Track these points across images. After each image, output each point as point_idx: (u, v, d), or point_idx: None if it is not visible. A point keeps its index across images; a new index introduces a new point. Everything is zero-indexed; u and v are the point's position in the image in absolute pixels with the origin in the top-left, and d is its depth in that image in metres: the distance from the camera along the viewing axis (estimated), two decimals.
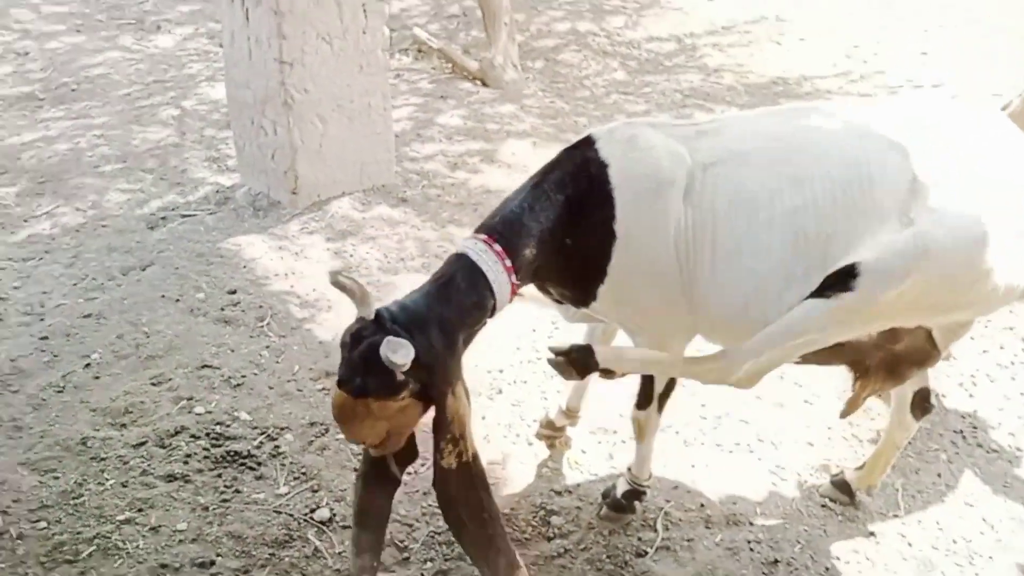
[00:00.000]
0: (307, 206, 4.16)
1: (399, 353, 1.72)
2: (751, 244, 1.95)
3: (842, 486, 2.72)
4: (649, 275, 2.03)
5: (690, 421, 2.96)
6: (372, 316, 1.81)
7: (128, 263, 3.63)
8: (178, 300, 3.34)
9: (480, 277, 1.92)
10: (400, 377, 1.77)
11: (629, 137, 2.06)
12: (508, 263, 1.95)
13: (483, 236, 1.97)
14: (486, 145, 5.01)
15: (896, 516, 2.71)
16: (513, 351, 3.25)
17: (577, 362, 2.02)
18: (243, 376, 2.93)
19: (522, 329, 3.35)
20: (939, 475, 2.91)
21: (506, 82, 5.93)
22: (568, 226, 2.02)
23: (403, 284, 3.65)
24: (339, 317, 3.36)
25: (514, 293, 2.00)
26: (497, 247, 1.94)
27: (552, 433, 2.77)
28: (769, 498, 2.70)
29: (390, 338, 1.74)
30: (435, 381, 1.84)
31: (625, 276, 2.04)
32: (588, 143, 2.08)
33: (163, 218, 4.08)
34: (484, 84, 5.97)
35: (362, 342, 1.78)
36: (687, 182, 2.00)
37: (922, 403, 2.49)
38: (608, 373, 2.06)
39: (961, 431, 3.12)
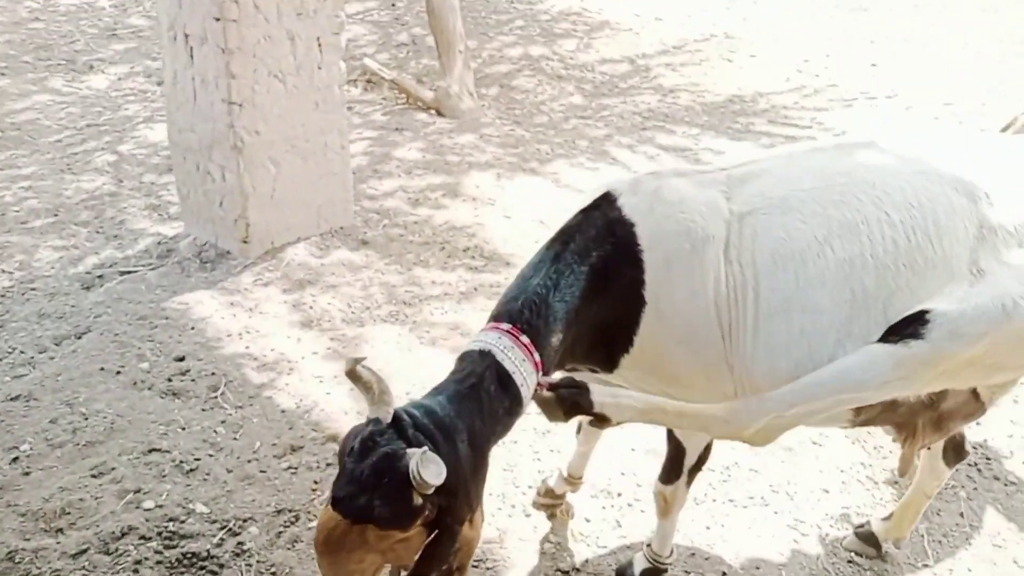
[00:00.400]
0: (260, 255, 3.84)
1: (430, 470, 1.38)
2: (800, 302, 1.71)
3: (868, 538, 2.51)
4: (685, 342, 1.79)
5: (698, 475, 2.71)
6: (389, 419, 1.49)
7: (61, 331, 3.26)
8: (119, 372, 2.98)
9: (510, 380, 1.64)
10: (417, 500, 1.43)
11: (654, 190, 1.82)
12: (537, 358, 1.67)
13: (506, 326, 1.69)
14: (448, 178, 4.75)
15: (926, 566, 2.52)
16: None
17: (566, 401, 1.71)
18: (197, 459, 2.59)
19: None
20: (961, 515, 2.73)
21: (463, 111, 5.70)
22: (593, 299, 1.77)
23: (371, 336, 3.36)
24: (303, 380, 3.04)
25: (538, 391, 1.72)
26: (524, 339, 1.67)
27: (552, 501, 2.50)
28: (793, 557, 2.47)
29: (426, 450, 1.42)
30: (455, 507, 1.51)
31: (656, 344, 1.80)
32: (609, 201, 1.83)
33: (100, 276, 3.72)
34: (440, 114, 5.72)
35: (375, 451, 1.44)
36: (725, 235, 1.77)
37: (956, 449, 2.29)
38: (602, 420, 1.75)
39: (975, 464, 2.95)
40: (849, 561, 2.48)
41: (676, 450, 2.03)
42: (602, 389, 1.72)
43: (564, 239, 1.80)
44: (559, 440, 2.78)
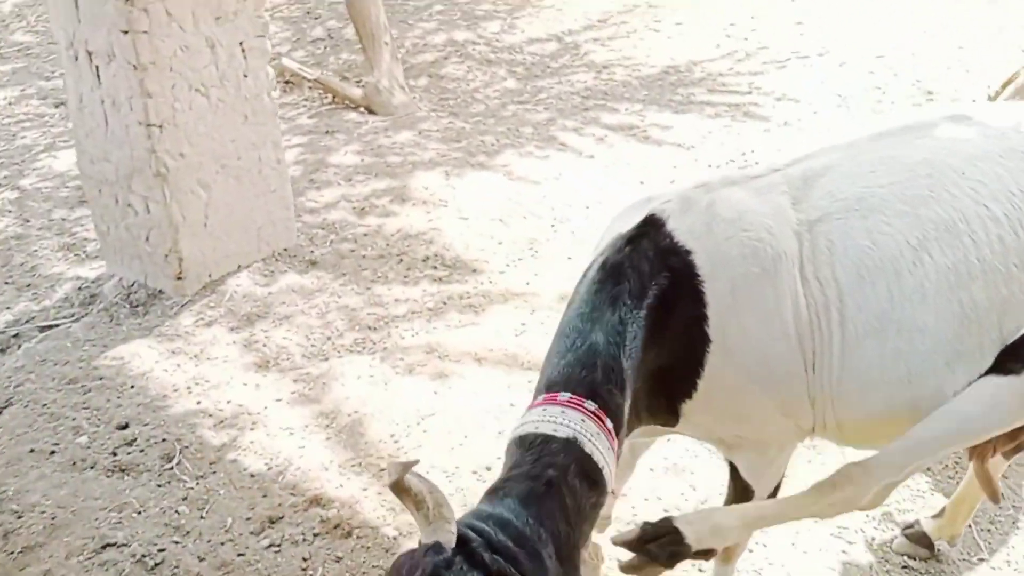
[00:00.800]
0: (197, 291, 3.44)
1: None
2: (896, 321, 1.47)
3: (920, 539, 2.33)
4: (760, 379, 1.53)
5: (720, 486, 2.48)
6: (453, 542, 1.17)
7: None
8: (53, 452, 2.57)
9: (599, 474, 1.35)
10: None
11: (707, 206, 1.55)
12: (615, 442, 1.40)
13: (592, 407, 1.39)
14: (393, 182, 4.40)
15: (982, 560, 2.35)
16: (494, 438, 2.68)
17: (662, 553, 1.49)
18: (161, 550, 2.21)
19: (499, 408, 2.79)
20: (1003, 496, 2.57)
21: (396, 106, 5.33)
22: (652, 346, 1.50)
23: (339, 371, 3.01)
24: (269, 435, 2.68)
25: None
26: (608, 424, 1.38)
27: None
28: (845, 572, 2.26)
29: None
30: None
31: (726, 385, 1.53)
32: (656, 225, 1.55)
33: (15, 336, 3.26)
34: (371, 111, 5.35)
35: None
36: (798, 249, 1.51)
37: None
38: (707, 554, 1.56)
39: None
40: (903, 567, 2.29)
41: (744, 492, 1.77)
42: (687, 518, 1.51)
43: (615, 279, 1.51)
44: None
